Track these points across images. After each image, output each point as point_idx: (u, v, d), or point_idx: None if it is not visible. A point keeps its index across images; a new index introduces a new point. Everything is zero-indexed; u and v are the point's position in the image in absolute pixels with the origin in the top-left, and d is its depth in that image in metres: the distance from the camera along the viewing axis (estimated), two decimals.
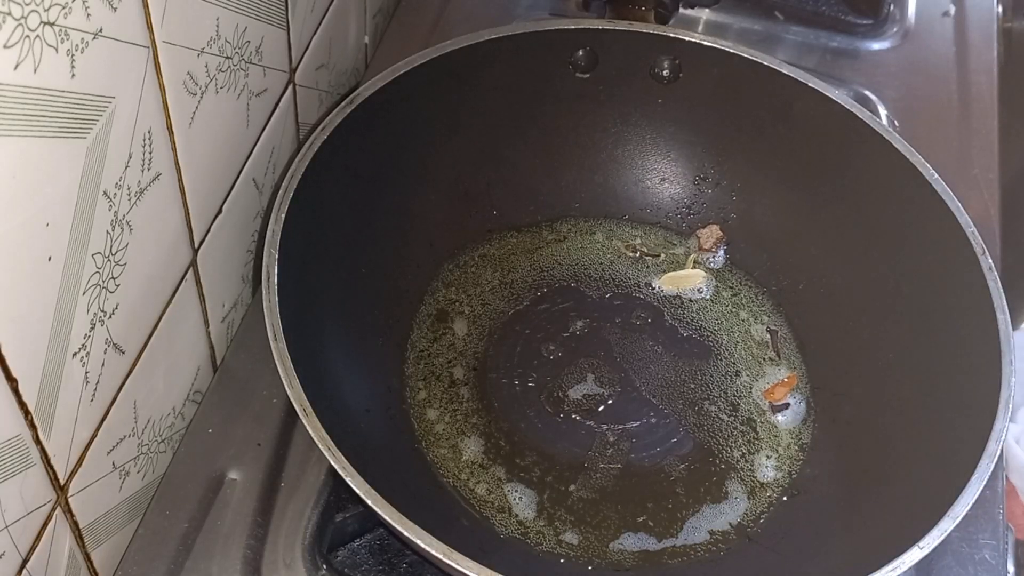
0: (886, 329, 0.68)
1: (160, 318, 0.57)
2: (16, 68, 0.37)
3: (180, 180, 0.55)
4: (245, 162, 0.64)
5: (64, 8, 0.40)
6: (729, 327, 0.73)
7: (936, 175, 0.66)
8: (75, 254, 0.45)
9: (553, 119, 0.77)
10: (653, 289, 0.75)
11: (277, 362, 0.54)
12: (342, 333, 0.65)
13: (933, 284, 0.66)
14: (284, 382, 0.54)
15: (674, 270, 0.76)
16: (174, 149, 0.53)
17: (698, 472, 0.66)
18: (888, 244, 0.69)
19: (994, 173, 0.82)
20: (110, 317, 0.50)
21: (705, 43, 0.74)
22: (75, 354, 0.47)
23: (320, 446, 0.52)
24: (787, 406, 0.69)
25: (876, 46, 0.93)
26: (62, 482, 0.50)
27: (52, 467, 0.48)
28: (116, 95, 0.45)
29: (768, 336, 0.73)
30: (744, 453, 0.67)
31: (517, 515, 0.63)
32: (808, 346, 0.72)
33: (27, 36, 0.37)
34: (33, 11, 0.38)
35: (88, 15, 0.41)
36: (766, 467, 0.67)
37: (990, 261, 0.62)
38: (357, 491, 0.51)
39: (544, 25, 0.75)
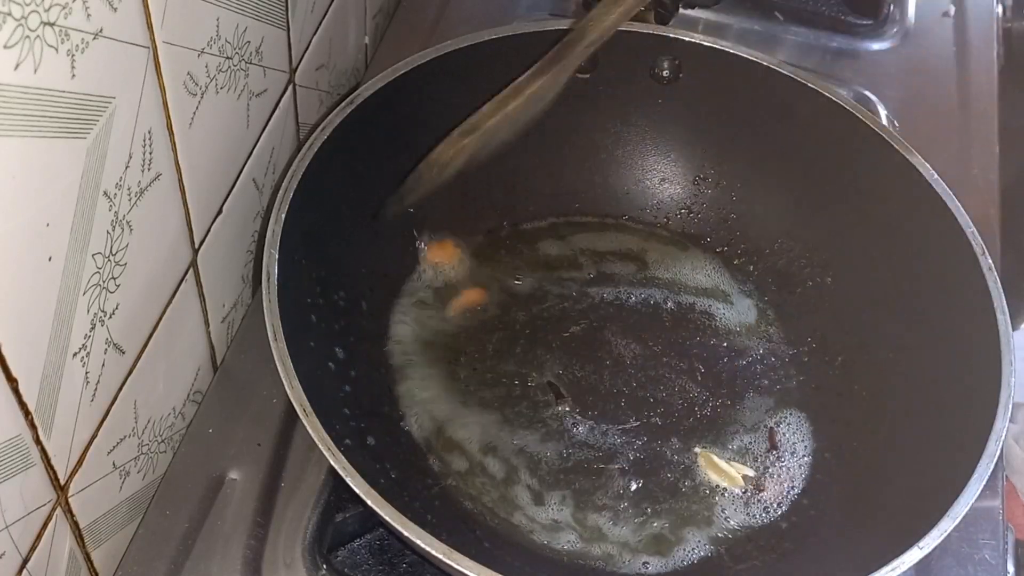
0: (886, 329, 0.68)
1: (160, 318, 0.57)
2: (16, 68, 0.37)
3: (180, 180, 0.55)
4: (245, 162, 0.64)
5: (64, 8, 0.40)
6: (730, 332, 0.73)
7: (936, 175, 0.66)
8: (75, 254, 0.45)
9: (553, 119, 0.77)
10: (653, 290, 0.75)
11: (277, 362, 0.54)
12: (342, 333, 0.65)
13: (933, 284, 0.66)
14: (284, 382, 0.54)
15: (674, 268, 0.76)
16: (174, 149, 0.53)
17: (699, 473, 0.66)
18: (888, 244, 0.69)
19: (994, 173, 0.82)
20: (110, 317, 0.50)
21: (705, 43, 0.74)
22: (75, 354, 0.47)
23: (320, 446, 0.52)
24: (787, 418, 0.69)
25: (876, 46, 0.93)
26: (62, 482, 0.50)
27: (52, 467, 0.48)
28: (116, 95, 0.45)
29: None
30: (744, 454, 0.67)
31: (517, 515, 0.63)
32: (808, 346, 0.72)
33: (27, 36, 0.38)
34: (33, 11, 0.38)
35: (88, 15, 0.41)
36: (766, 468, 0.66)
37: (990, 261, 0.62)
38: (357, 491, 0.51)
39: (544, 25, 0.74)
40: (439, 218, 0.74)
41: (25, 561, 0.48)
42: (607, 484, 0.65)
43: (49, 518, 0.49)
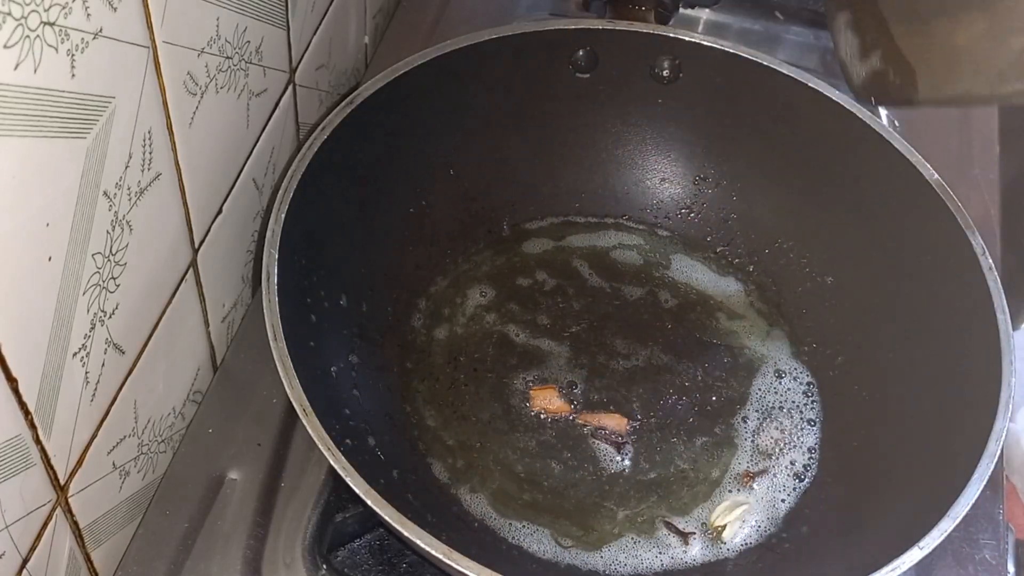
0: (886, 329, 0.68)
1: (160, 318, 0.57)
2: (16, 68, 0.37)
3: (180, 180, 0.55)
4: (245, 162, 0.64)
5: (64, 8, 0.40)
6: (730, 332, 0.74)
7: (936, 175, 0.66)
8: (75, 254, 0.45)
9: (553, 119, 0.77)
10: (654, 289, 0.75)
11: (277, 362, 0.54)
12: (343, 333, 0.65)
13: (933, 284, 0.66)
14: (284, 382, 0.54)
15: (674, 268, 0.76)
16: (174, 149, 0.53)
17: (698, 475, 0.66)
18: (888, 244, 0.69)
19: (994, 173, 0.82)
20: (110, 317, 0.50)
21: (705, 43, 0.74)
22: (75, 354, 0.47)
23: (320, 446, 0.52)
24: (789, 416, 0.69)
25: None
26: (62, 482, 0.50)
27: (52, 467, 0.48)
28: (116, 95, 0.45)
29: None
30: (744, 455, 0.67)
31: (517, 516, 0.63)
32: (808, 346, 0.72)
33: (27, 36, 0.38)
34: (33, 11, 0.38)
35: (88, 15, 0.41)
36: (767, 467, 0.67)
37: (990, 261, 0.62)
38: (357, 491, 0.51)
39: (544, 25, 0.75)
40: (440, 218, 0.74)
41: (25, 561, 0.48)
42: (607, 484, 0.65)
43: (49, 518, 0.49)
